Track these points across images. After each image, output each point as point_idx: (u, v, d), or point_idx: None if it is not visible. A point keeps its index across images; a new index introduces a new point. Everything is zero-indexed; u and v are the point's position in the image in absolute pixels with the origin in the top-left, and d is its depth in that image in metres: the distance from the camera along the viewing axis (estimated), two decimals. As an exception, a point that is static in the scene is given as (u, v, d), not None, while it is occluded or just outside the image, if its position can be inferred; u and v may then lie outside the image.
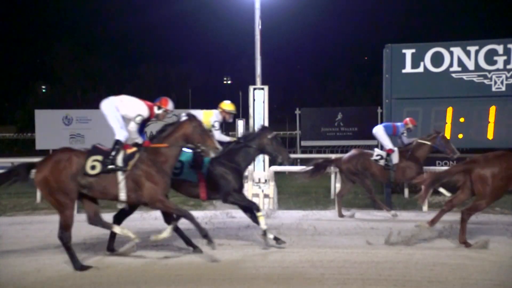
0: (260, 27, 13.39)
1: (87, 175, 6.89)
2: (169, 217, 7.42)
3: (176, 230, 7.45)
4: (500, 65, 12.37)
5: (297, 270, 6.70)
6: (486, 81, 12.44)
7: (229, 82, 60.95)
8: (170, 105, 7.63)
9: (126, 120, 7.44)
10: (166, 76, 57.59)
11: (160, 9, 55.96)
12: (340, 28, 57.66)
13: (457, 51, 12.59)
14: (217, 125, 8.67)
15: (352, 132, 24.79)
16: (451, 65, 12.60)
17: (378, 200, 11.29)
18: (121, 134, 7.26)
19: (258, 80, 13.32)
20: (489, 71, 12.41)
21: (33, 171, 7.06)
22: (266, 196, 12.08)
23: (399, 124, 11.68)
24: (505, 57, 12.36)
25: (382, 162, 11.16)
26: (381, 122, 12.96)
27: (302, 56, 60.32)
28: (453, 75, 12.60)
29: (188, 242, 7.61)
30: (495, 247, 7.68)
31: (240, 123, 22.71)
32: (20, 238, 8.71)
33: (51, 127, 25.06)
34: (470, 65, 12.51)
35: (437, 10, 58.06)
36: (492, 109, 12.27)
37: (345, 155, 11.58)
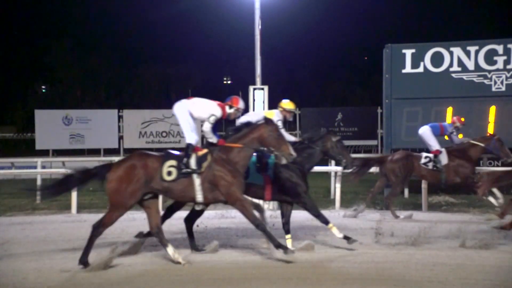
0: (260, 27, 13.39)
1: (164, 180, 6.99)
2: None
3: None
4: (500, 65, 12.38)
5: (296, 270, 6.69)
6: (486, 81, 12.45)
7: (229, 82, 60.86)
8: (241, 103, 7.74)
9: (197, 121, 7.57)
10: (166, 76, 57.49)
11: (160, 9, 55.93)
12: (340, 28, 57.62)
13: (457, 51, 12.60)
14: (280, 124, 8.50)
15: (352, 132, 24.77)
16: (451, 65, 12.61)
17: (392, 206, 11.13)
18: (191, 138, 7.38)
19: (258, 80, 13.32)
20: (489, 71, 12.42)
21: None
22: (266, 196, 12.05)
23: (446, 123, 11.46)
24: (505, 57, 12.38)
25: (431, 165, 10.96)
26: (381, 122, 12.94)
27: (302, 56, 60.25)
28: (453, 75, 12.61)
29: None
30: (495, 247, 7.68)
31: (240, 123, 22.73)
32: (20, 238, 8.71)
33: (51, 127, 25.05)
34: (470, 65, 12.52)
35: (437, 10, 58.04)
36: (492, 109, 12.27)
37: (393, 155, 11.41)
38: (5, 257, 7.33)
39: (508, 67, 12.34)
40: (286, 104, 8.87)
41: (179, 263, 6.95)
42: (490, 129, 12.30)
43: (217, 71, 60.21)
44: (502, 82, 12.40)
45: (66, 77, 53.20)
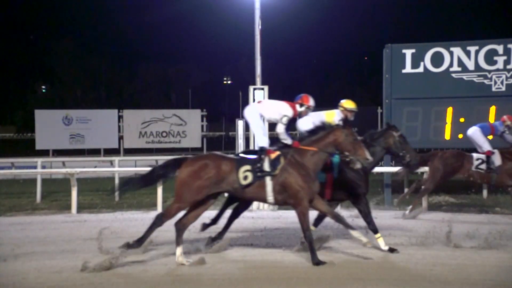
0: (260, 27, 13.38)
1: (239, 184, 7.08)
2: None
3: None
4: (500, 65, 12.38)
5: (296, 270, 6.69)
6: (486, 81, 12.45)
7: (229, 82, 60.87)
8: (311, 101, 7.68)
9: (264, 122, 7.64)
10: (166, 76, 57.54)
11: (160, 9, 55.91)
12: (340, 28, 57.63)
13: (457, 51, 12.59)
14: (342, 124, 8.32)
15: (352, 132, 24.79)
16: (451, 65, 12.60)
17: (417, 205, 10.98)
18: (263, 141, 7.41)
19: (258, 80, 13.32)
20: (489, 71, 12.42)
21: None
22: (266, 196, 12.06)
23: (496, 123, 11.22)
24: (505, 57, 12.37)
25: (483, 166, 10.74)
26: (381, 122, 12.94)
27: (302, 56, 60.28)
28: (453, 75, 12.60)
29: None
30: (495, 248, 7.67)
31: (240, 123, 22.70)
32: (20, 238, 8.71)
33: (51, 127, 25.10)
34: (470, 65, 12.51)
35: (437, 10, 58.05)
36: (492, 109, 12.26)
37: (444, 153, 11.16)
38: (5, 257, 7.33)
39: (508, 67, 12.34)
40: (347, 103, 8.66)
41: (182, 264, 6.95)
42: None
43: (217, 71, 60.22)
44: (502, 82, 12.40)
45: (66, 77, 53.26)
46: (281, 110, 7.51)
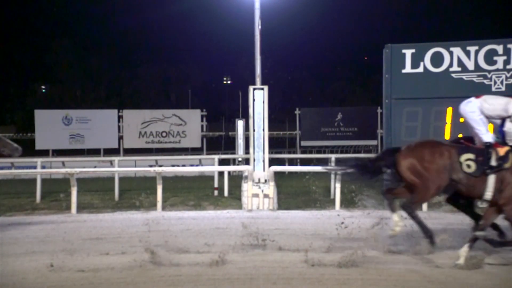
0: (260, 27, 13.38)
1: (461, 172, 6.95)
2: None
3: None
4: (500, 65, 12.36)
5: (297, 270, 6.69)
6: (486, 81, 12.43)
7: (229, 82, 60.89)
8: None
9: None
10: (166, 76, 57.54)
11: (160, 9, 55.90)
12: (340, 28, 57.61)
13: (457, 51, 12.58)
14: None
15: (352, 132, 24.82)
16: (451, 65, 12.59)
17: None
18: (488, 136, 7.16)
19: (258, 80, 13.31)
20: (489, 71, 12.41)
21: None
22: (266, 196, 12.08)
23: None
24: (505, 57, 12.35)
25: None
26: (381, 122, 12.94)
27: (302, 56, 60.25)
28: (453, 75, 12.59)
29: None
30: (494, 248, 7.66)
31: (240, 123, 22.73)
32: (20, 238, 8.71)
33: (51, 127, 25.09)
34: (470, 65, 12.50)
35: (437, 10, 58.04)
36: (492, 109, 12.26)
37: None
38: (5, 257, 7.33)
39: (508, 67, 12.32)
40: None
41: (394, 230, 7.09)
42: (490, 129, 12.27)
43: (217, 71, 60.21)
44: (502, 82, 12.38)
45: (66, 77, 53.27)
46: (508, 106, 7.15)
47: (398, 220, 7.19)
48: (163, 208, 12.09)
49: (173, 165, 17.66)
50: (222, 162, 17.26)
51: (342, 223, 8.26)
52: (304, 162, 19.00)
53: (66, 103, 46.91)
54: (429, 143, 7.47)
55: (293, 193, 14.15)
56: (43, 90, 56.08)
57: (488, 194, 6.96)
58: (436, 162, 7.00)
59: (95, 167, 17.53)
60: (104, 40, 56.97)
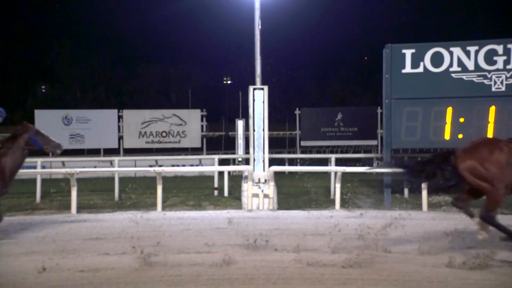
0: (260, 27, 13.38)
1: None
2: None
3: None
4: (500, 65, 12.36)
5: (296, 270, 6.69)
6: (486, 81, 12.43)
7: (229, 82, 60.91)
8: None
9: None
10: (166, 76, 57.59)
11: (160, 9, 55.93)
12: (340, 28, 57.63)
13: (457, 51, 12.58)
14: None
15: (352, 132, 24.79)
16: (451, 65, 12.59)
17: None
18: None
19: (258, 80, 13.31)
20: (489, 71, 12.41)
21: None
22: (266, 196, 12.08)
23: None
24: (505, 57, 12.35)
25: None
26: (381, 122, 12.95)
27: (302, 56, 60.29)
28: (453, 75, 12.59)
29: None
30: (495, 248, 7.66)
31: (240, 123, 22.72)
32: (20, 238, 8.71)
33: (51, 127, 24.89)
34: (470, 65, 12.50)
35: (437, 10, 58.06)
36: (492, 109, 12.26)
37: None
38: (5, 257, 7.33)
39: (508, 67, 12.32)
40: None
41: (482, 234, 6.98)
42: (490, 130, 12.28)
43: (217, 71, 60.25)
44: (502, 82, 12.38)
45: (66, 77, 53.31)
46: None
47: (481, 223, 7.05)
48: (163, 208, 12.10)
49: (173, 165, 17.67)
50: (222, 162, 17.26)
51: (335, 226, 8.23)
52: (304, 162, 19.11)
53: (66, 103, 46.98)
54: (484, 142, 7.31)
55: (293, 193, 14.15)
56: (43, 90, 56.13)
57: None
58: (497, 160, 6.85)
59: (95, 167, 17.53)
60: (104, 40, 57.00)
